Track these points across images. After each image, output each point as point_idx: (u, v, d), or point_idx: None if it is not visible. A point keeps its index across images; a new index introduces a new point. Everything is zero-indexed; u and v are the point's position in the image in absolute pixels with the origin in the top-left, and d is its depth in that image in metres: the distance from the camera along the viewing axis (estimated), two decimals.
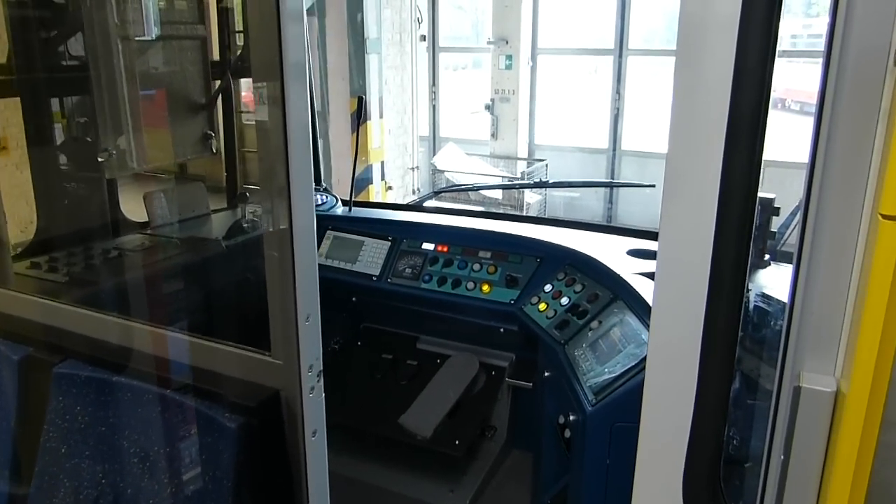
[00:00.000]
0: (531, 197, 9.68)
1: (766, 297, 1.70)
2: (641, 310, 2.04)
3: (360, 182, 7.46)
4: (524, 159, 10.78)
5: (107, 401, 1.33)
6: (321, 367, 1.22)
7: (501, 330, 2.74)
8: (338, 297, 3.06)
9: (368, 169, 7.44)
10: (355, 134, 3.14)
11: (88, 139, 2.24)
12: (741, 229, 0.92)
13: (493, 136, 10.82)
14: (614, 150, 10.57)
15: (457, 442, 2.71)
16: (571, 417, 1.99)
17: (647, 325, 1.95)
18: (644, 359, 1.82)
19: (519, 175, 9.95)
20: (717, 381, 1.00)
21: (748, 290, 1.26)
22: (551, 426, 2.39)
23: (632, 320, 2.04)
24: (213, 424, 1.21)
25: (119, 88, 2.04)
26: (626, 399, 1.81)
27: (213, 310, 1.76)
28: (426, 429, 2.75)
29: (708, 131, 0.90)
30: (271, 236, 1.15)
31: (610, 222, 10.44)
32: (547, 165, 10.16)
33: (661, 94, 10.23)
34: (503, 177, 9.97)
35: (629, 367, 1.85)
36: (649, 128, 10.16)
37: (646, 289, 2.10)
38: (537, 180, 9.78)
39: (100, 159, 2.14)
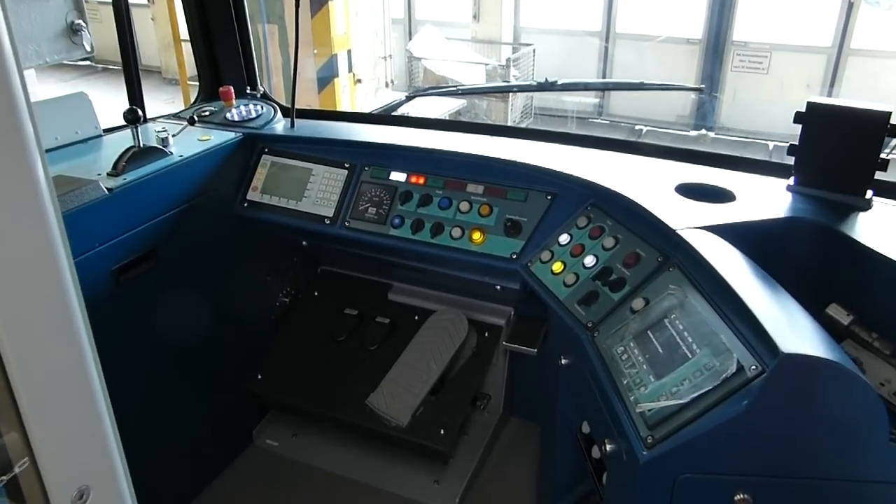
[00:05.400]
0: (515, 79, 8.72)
1: None
2: (712, 287, 1.36)
3: (324, 79, 6.47)
4: (509, 44, 9.76)
5: None
6: None
7: (498, 287, 2.08)
8: (284, 240, 2.36)
9: (332, 60, 6.42)
10: (296, 20, 2.27)
11: None
12: None
13: (475, 17, 9.75)
14: (608, 32, 9.59)
15: (442, 431, 2.11)
16: (608, 447, 1.37)
17: (722, 315, 1.28)
18: (731, 378, 1.17)
19: (504, 62, 8.95)
20: None
21: None
22: (568, 427, 1.79)
23: (699, 305, 1.36)
24: None
25: None
26: (700, 440, 1.17)
27: None
28: (402, 414, 2.15)
29: None
30: None
31: (601, 115, 9.62)
32: (535, 51, 9.17)
33: None
34: (486, 64, 8.97)
35: (705, 390, 1.19)
36: (647, 8, 9.16)
37: (713, 251, 1.41)
38: (525, 71, 8.85)
39: None
